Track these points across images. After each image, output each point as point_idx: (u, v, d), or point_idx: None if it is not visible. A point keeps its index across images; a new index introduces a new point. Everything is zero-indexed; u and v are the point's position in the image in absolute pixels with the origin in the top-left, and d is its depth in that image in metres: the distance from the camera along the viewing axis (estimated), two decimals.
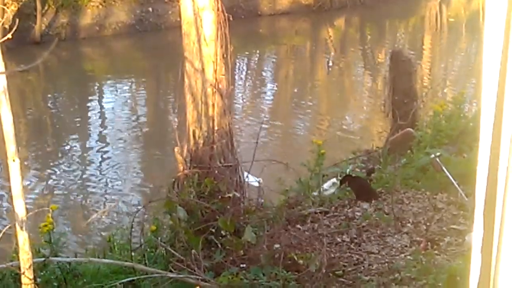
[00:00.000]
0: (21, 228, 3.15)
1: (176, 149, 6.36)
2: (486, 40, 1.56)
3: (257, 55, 21.32)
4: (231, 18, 6.30)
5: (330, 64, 20.96)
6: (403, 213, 6.50)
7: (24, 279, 3.32)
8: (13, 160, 3.06)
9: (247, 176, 6.84)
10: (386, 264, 5.38)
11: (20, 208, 3.12)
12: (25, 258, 3.19)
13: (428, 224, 6.01)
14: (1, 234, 3.40)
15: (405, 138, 8.93)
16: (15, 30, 3.27)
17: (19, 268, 3.35)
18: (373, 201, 6.93)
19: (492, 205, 1.62)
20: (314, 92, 16.97)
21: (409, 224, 6.23)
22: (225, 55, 6.22)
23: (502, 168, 1.54)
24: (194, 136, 6.28)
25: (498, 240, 1.59)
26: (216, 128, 6.21)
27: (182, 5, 6.28)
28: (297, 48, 22.79)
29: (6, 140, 3.01)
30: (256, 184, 6.80)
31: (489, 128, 1.61)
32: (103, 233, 7.69)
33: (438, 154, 7.46)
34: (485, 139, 1.64)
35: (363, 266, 5.45)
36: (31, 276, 3.29)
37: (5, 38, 2.97)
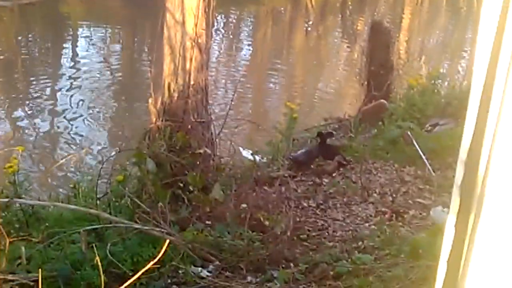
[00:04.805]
0: None
1: (150, 101, 6.28)
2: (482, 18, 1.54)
3: (236, 14, 21.09)
4: None
5: (309, 29, 20.87)
6: (370, 183, 6.55)
7: None
8: None
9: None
10: (350, 232, 5.43)
11: None
12: None
13: (394, 195, 6.06)
14: None
15: (378, 109, 8.96)
16: None
17: None
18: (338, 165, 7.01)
19: (473, 180, 1.62)
20: (290, 56, 16.90)
21: (375, 195, 6.28)
22: (207, 10, 6.11)
23: (486, 145, 1.54)
24: (169, 89, 6.19)
25: (474, 216, 1.59)
26: (192, 82, 6.13)
27: None
28: (277, 10, 22.61)
29: None
30: (250, 156, 6.81)
31: (476, 103, 1.60)
32: (68, 180, 7.60)
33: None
34: (472, 114, 1.63)
35: (328, 232, 5.50)
36: None
37: None
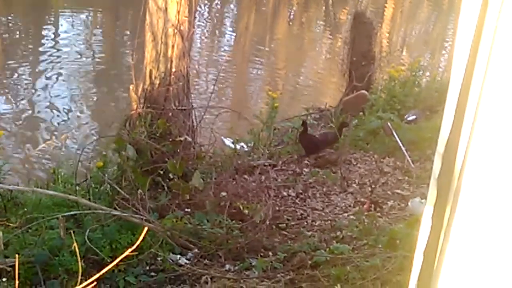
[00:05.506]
0: None
1: (131, 87, 6.25)
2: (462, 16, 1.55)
3: (219, 2, 20.99)
4: None
5: (292, 17, 20.83)
6: (349, 174, 6.59)
7: None
8: None
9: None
10: (329, 222, 5.46)
11: None
12: None
13: (373, 186, 6.10)
14: None
15: (359, 100, 8.96)
16: None
17: None
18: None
19: (450, 173, 1.63)
20: (273, 45, 16.86)
21: (354, 185, 6.32)
22: None
23: (464, 139, 1.55)
24: (150, 76, 6.16)
25: (451, 208, 1.61)
26: (173, 70, 6.10)
27: None
28: None
29: None
30: (232, 145, 6.82)
31: (454, 97, 1.62)
32: (48, 166, 7.55)
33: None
34: (450, 108, 1.64)
35: (306, 222, 5.53)
36: None
37: None
